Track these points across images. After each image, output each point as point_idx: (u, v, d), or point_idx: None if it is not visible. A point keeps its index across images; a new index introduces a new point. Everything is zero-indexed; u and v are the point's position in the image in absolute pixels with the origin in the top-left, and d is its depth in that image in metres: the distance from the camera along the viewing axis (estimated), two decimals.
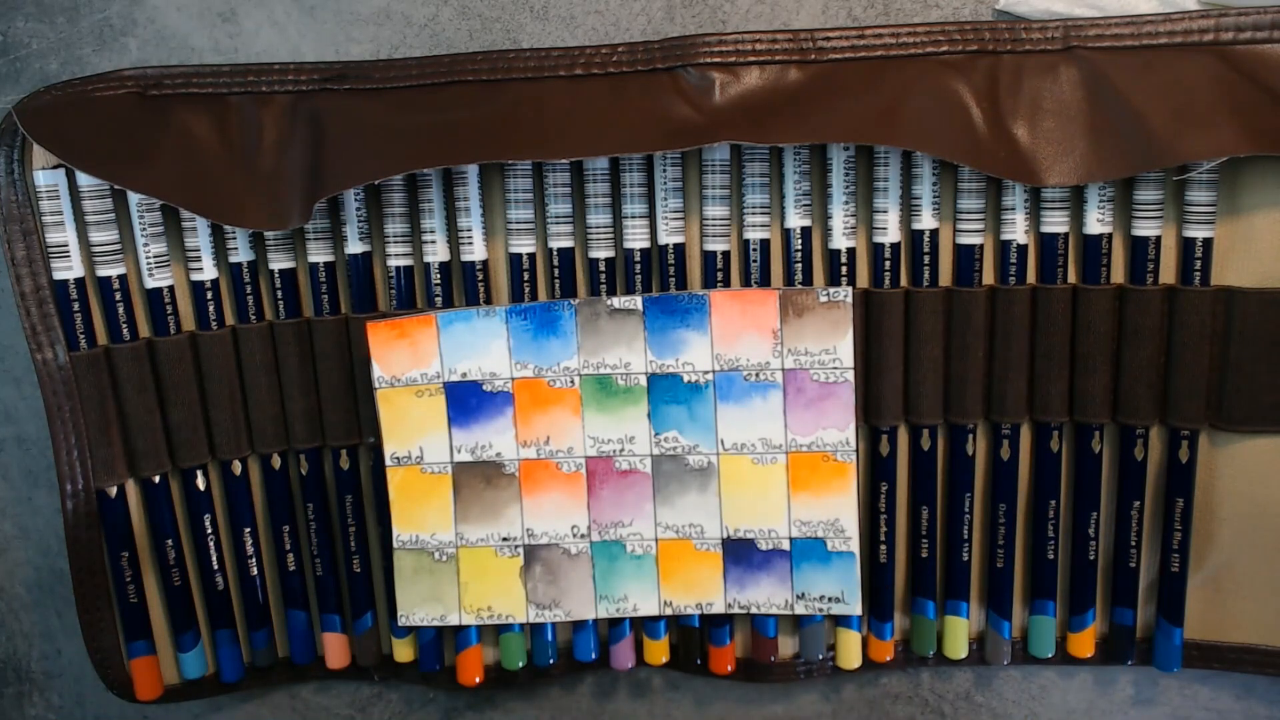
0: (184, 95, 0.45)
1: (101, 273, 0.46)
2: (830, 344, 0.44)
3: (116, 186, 0.44)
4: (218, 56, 0.47)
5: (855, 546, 0.46)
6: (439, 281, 0.46)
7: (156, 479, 0.47)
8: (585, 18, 0.46)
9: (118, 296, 0.46)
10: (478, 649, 0.49)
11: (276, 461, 0.48)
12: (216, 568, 0.49)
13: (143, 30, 0.47)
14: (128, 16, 0.47)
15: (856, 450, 0.45)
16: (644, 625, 0.49)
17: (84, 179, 0.44)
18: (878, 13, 0.45)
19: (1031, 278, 0.44)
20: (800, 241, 0.45)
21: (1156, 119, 0.40)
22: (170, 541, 0.48)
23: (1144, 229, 0.43)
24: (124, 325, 0.46)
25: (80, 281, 0.45)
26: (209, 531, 0.48)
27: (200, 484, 0.48)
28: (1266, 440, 0.44)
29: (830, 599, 0.46)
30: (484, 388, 0.46)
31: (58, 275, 0.45)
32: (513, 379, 0.46)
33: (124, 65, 0.47)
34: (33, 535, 0.52)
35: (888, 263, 0.45)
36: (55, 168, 0.44)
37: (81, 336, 0.46)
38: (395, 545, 0.47)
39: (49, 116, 0.44)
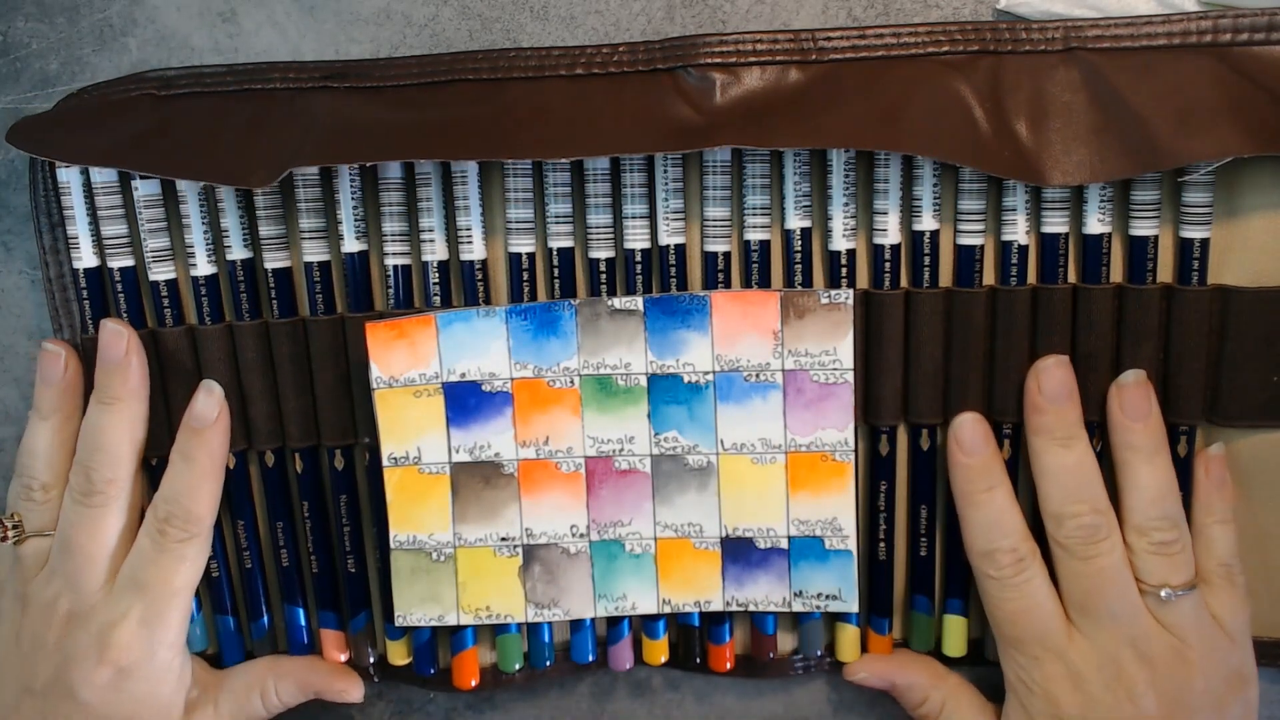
0: (186, 95, 0.45)
1: (112, 264, 0.46)
2: (830, 345, 0.44)
3: (81, 164, 0.45)
4: (218, 56, 0.47)
5: (853, 545, 0.46)
6: (438, 281, 0.46)
7: (154, 462, 0.47)
8: (585, 18, 0.46)
9: (119, 288, 0.46)
10: (474, 651, 0.49)
11: (270, 459, 0.48)
12: (213, 554, 0.48)
13: (143, 30, 0.47)
14: (128, 16, 0.47)
15: (855, 450, 0.45)
16: (643, 625, 0.49)
17: (96, 176, 0.45)
18: (877, 13, 0.45)
19: (1032, 278, 0.45)
20: (800, 243, 0.45)
21: (1158, 121, 0.41)
22: None
23: (1142, 229, 0.43)
24: (126, 315, 0.46)
25: (93, 271, 0.46)
26: None
27: None
28: (1261, 435, 0.44)
29: (828, 596, 0.46)
30: (483, 388, 0.46)
31: (74, 264, 0.46)
32: (512, 379, 0.45)
33: (124, 65, 0.47)
34: None
35: (888, 264, 0.45)
36: (68, 165, 0.45)
37: (91, 323, 0.46)
38: (393, 545, 0.47)
39: (42, 122, 0.45)
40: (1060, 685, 0.43)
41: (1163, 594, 0.42)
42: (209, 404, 0.46)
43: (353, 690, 0.49)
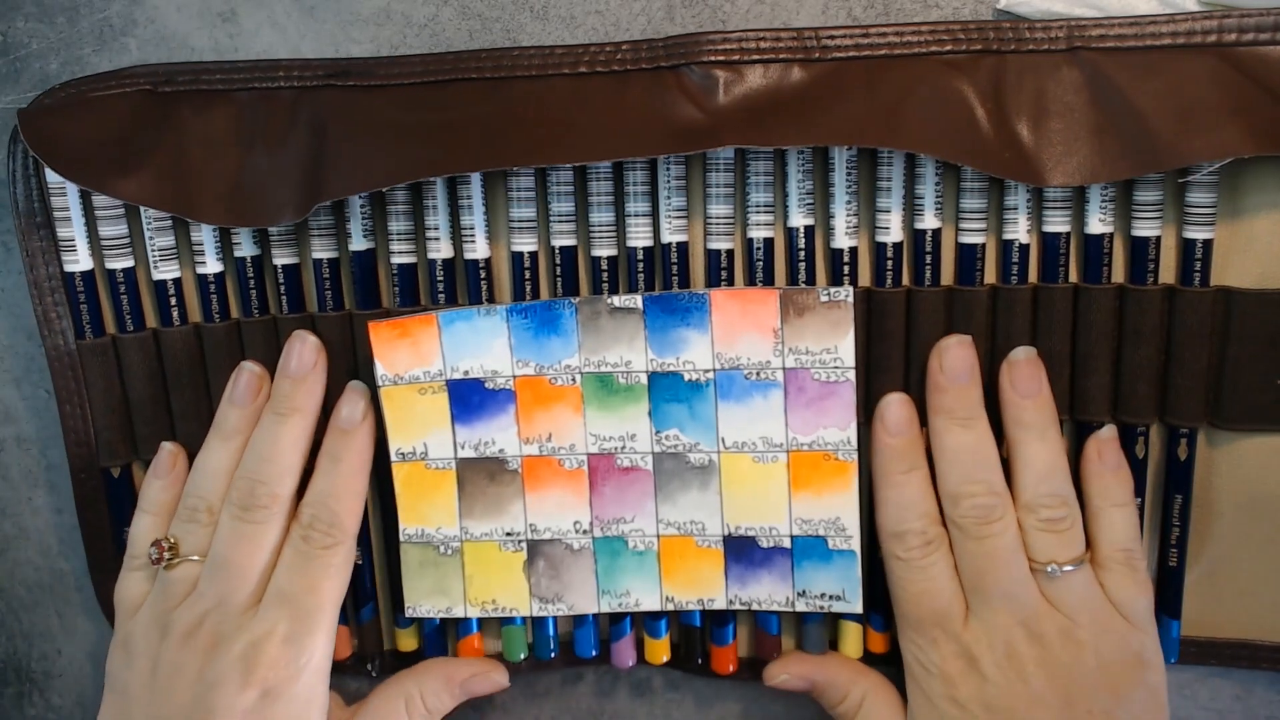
0: (190, 92, 0.45)
1: (110, 265, 0.46)
2: (831, 343, 0.44)
3: (100, 194, 0.45)
4: (217, 57, 0.47)
5: (856, 545, 0.46)
6: (442, 279, 0.46)
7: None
8: (585, 18, 0.46)
9: (122, 289, 0.46)
10: (477, 637, 0.50)
11: None
12: None
13: (143, 30, 0.47)
14: (128, 16, 0.47)
15: (858, 449, 0.45)
16: (645, 624, 0.49)
17: None
18: (877, 13, 0.45)
19: (1033, 277, 0.45)
20: (803, 240, 0.45)
21: (1160, 121, 0.41)
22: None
23: (1144, 229, 0.43)
24: (128, 316, 0.47)
25: (88, 274, 0.46)
26: None
27: None
28: (1263, 439, 0.44)
29: (831, 597, 0.46)
30: (486, 385, 0.46)
31: (67, 267, 0.46)
32: (514, 377, 0.46)
33: (124, 65, 0.47)
34: (33, 535, 0.52)
35: (890, 262, 0.45)
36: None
37: (88, 326, 0.46)
38: (402, 539, 0.47)
39: (49, 121, 0.45)
40: (955, 665, 0.43)
41: (1048, 569, 0.42)
42: (356, 405, 0.46)
43: (500, 676, 0.49)
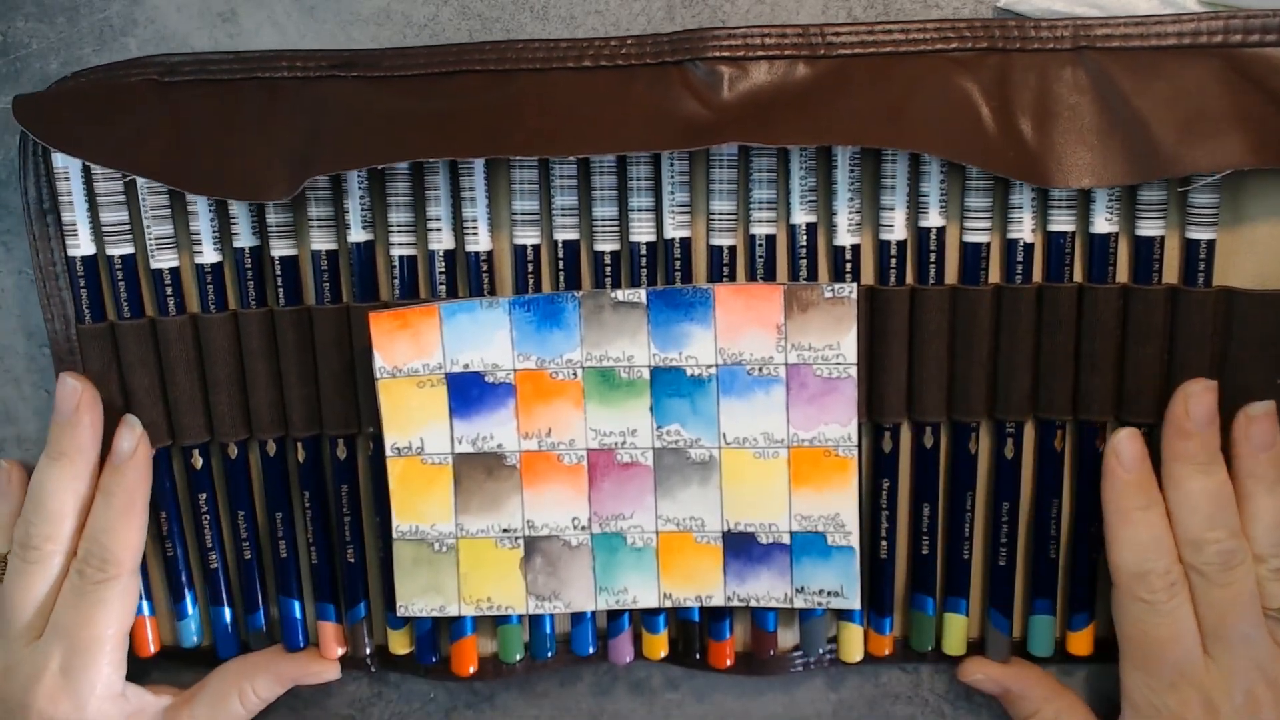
0: (195, 82, 0.45)
1: (111, 251, 0.46)
2: (834, 339, 0.44)
3: (95, 165, 0.45)
4: None
5: (855, 542, 0.46)
6: (443, 271, 0.46)
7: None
8: (585, 18, 0.46)
9: (120, 275, 0.46)
10: (473, 639, 0.49)
11: (272, 448, 0.48)
12: (210, 546, 0.49)
13: (143, 30, 0.47)
14: (128, 16, 0.47)
15: (859, 446, 0.45)
16: (643, 619, 0.49)
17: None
18: (878, 13, 0.45)
19: (1037, 276, 0.45)
20: (806, 238, 0.45)
21: (1163, 129, 0.41)
22: (165, 514, 0.48)
23: (1149, 229, 0.43)
24: (125, 303, 0.46)
25: (90, 259, 0.46)
26: (204, 510, 0.48)
27: (197, 462, 0.48)
28: None
29: (829, 593, 0.46)
30: (486, 379, 0.45)
31: (70, 252, 0.46)
32: (515, 370, 0.45)
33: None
34: None
35: (893, 260, 0.45)
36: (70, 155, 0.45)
37: (88, 310, 0.46)
38: (395, 536, 0.47)
39: (47, 102, 0.45)
40: (1194, 711, 0.43)
41: None
42: (125, 440, 0.46)
43: (327, 670, 0.50)
